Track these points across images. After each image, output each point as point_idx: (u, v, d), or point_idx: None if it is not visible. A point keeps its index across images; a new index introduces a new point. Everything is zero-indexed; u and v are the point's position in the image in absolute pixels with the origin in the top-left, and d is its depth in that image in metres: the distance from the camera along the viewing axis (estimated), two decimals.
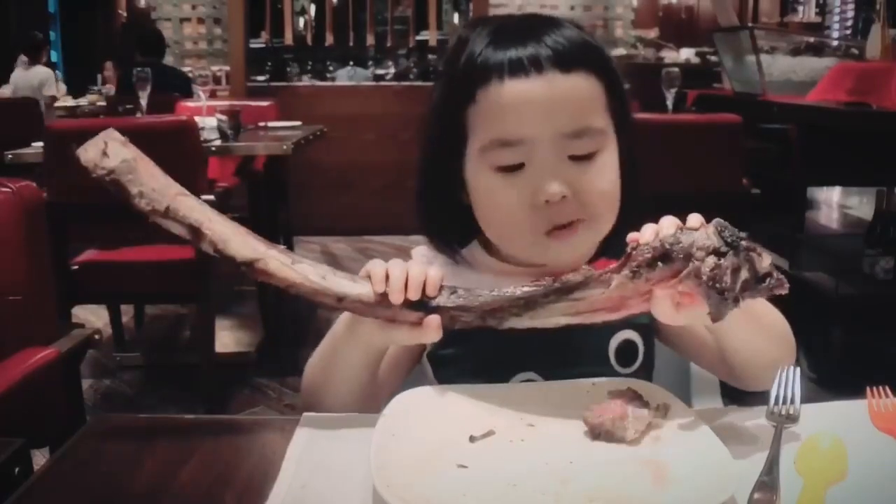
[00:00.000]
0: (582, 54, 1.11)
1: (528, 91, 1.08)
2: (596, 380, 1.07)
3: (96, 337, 1.86)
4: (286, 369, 3.81)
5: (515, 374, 1.16)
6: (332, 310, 1.02)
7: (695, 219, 0.95)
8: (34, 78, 7.62)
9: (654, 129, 3.45)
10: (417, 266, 1.01)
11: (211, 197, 3.33)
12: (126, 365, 4.13)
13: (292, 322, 4.42)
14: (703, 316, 0.92)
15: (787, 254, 3.73)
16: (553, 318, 0.98)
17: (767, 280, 0.90)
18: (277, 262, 0.98)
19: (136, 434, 1.08)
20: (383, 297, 0.99)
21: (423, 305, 0.99)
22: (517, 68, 1.09)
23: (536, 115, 1.08)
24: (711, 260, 0.89)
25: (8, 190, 1.75)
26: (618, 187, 1.13)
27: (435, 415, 1.00)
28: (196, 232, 0.98)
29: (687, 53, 8.68)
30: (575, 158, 1.09)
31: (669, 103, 4.37)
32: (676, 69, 4.54)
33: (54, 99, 7.80)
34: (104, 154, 0.97)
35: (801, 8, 11.41)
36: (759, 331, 1.08)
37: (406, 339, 1.03)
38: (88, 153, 0.98)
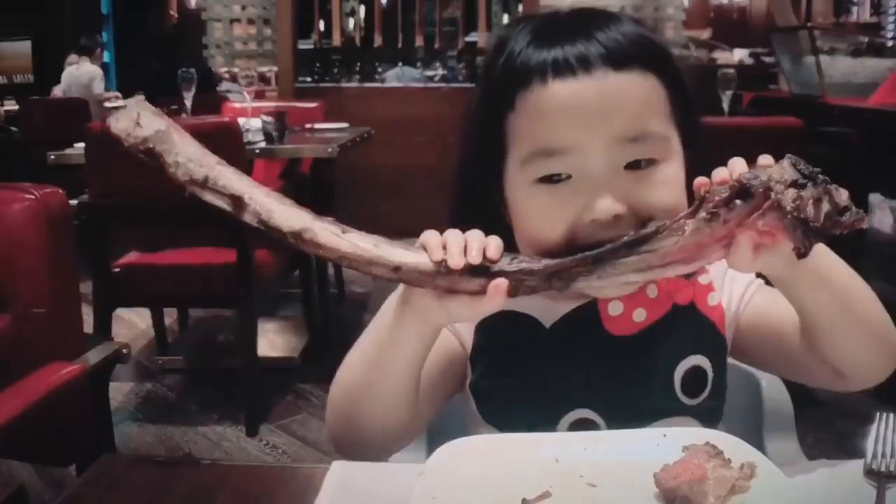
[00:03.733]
0: (639, 50, 0.98)
1: (575, 93, 0.95)
2: (668, 430, 0.94)
3: (125, 351, 1.79)
4: (331, 375, 3.69)
5: (569, 410, 1.05)
6: (388, 281, 0.92)
7: (765, 158, 0.85)
8: (84, 76, 7.64)
9: (710, 133, 3.33)
10: (476, 232, 0.90)
11: None
12: (168, 368, 4.10)
13: (338, 326, 4.36)
14: (784, 257, 0.84)
15: (847, 262, 3.61)
16: (623, 276, 0.88)
17: (847, 214, 0.83)
18: (327, 231, 0.90)
19: (146, 479, 0.98)
20: (442, 264, 0.89)
21: (484, 271, 0.89)
22: (562, 68, 0.96)
23: (586, 120, 0.95)
24: (792, 192, 0.82)
25: (31, 197, 1.70)
26: (684, 205, 0.96)
27: (481, 473, 0.89)
28: (238, 202, 0.89)
29: (740, 54, 8.54)
30: (632, 168, 0.96)
31: (725, 105, 4.25)
32: (732, 70, 4.42)
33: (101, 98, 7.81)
34: (137, 124, 0.91)
35: (855, 8, 11.19)
36: (849, 306, 0.95)
37: (467, 311, 0.90)
38: (120, 122, 0.92)
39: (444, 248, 0.88)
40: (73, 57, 7.95)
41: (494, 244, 0.88)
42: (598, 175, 0.95)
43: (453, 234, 0.89)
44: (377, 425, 1.01)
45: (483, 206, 1.07)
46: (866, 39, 4.51)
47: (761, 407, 1.26)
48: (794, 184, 0.82)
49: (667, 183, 0.97)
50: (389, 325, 0.97)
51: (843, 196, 0.83)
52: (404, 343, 0.96)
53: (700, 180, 0.85)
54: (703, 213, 0.84)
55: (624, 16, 1.03)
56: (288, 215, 0.90)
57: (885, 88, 3.77)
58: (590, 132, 0.95)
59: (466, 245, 0.88)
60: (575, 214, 0.96)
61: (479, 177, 1.06)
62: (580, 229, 0.96)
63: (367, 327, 1.02)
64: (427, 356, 0.99)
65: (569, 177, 0.97)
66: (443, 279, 0.90)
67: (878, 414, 0.92)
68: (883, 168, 3.58)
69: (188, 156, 0.90)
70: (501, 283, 0.87)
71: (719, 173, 0.85)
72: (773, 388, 1.25)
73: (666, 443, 0.91)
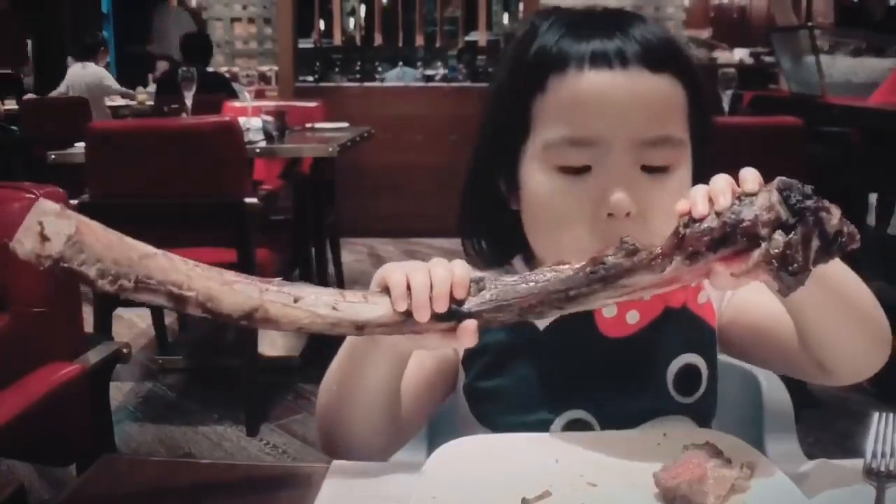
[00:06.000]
0: (671, 54, 1.00)
1: (609, 85, 0.96)
2: (668, 430, 0.95)
3: (125, 351, 1.78)
4: None
5: (563, 411, 1.04)
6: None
7: (751, 178, 0.81)
8: (90, 76, 7.61)
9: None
10: (440, 267, 0.87)
11: (255, 200, 3.28)
12: (168, 368, 4.09)
13: None
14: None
15: (847, 261, 3.60)
16: (597, 302, 0.86)
17: (838, 239, 0.79)
18: (278, 305, 0.85)
19: (146, 479, 0.97)
20: (407, 315, 0.86)
21: (453, 314, 0.86)
22: (600, 59, 0.97)
23: (615, 113, 0.96)
24: (780, 238, 0.78)
25: (31, 196, 1.69)
26: None
27: (481, 472, 0.88)
28: (177, 297, 0.83)
29: (740, 54, 8.55)
30: (648, 170, 0.97)
31: (725, 105, 4.25)
32: (733, 70, 4.44)
33: (120, 96, 7.76)
34: (43, 238, 0.80)
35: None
36: (843, 305, 0.94)
37: (439, 346, 0.90)
38: (26, 245, 0.80)
39: (409, 288, 0.86)
40: (74, 64, 7.90)
41: (460, 282, 0.86)
42: (617, 170, 0.96)
43: (417, 276, 0.86)
44: (358, 436, 1.02)
45: (494, 195, 1.07)
46: (868, 39, 4.50)
47: (761, 407, 1.25)
48: (781, 225, 0.78)
49: (677, 191, 0.96)
50: (362, 347, 0.97)
51: (834, 220, 0.79)
52: (376, 364, 0.97)
53: (681, 206, 0.81)
54: (683, 256, 0.81)
55: (658, 23, 1.05)
56: (232, 298, 0.84)
57: (885, 88, 3.77)
58: (617, 126, 0.96)
59: (432, 286, 0.86)
60: (590, 205, 0.97)
61: (496, 158, 1.06)
62: (598, 224, 0.97)
63: (344, 342, 1.02)
64: (402, 373, 1.00)
65: (588, 169, 0.98)
66: (410, 326, 0.87)
67: (877, 414, 0.90)
68: (883, 167, 3.58)
69: (110, 259, 0.82)
70: (470, 326, 0.86)
71: (699, 199, 0.81)
72: (772, 388, 1.25)
73: (666, 443, 0.91)
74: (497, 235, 1.11)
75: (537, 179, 1.01)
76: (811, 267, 0.79)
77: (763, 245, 0.78)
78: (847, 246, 0.80)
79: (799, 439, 1.25)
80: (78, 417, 1.77)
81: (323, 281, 4.53)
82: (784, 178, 0.80)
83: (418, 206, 6.70)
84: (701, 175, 0.99)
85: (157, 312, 4.24)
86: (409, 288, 0.86)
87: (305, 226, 4.30)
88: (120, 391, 3.73)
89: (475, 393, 1.09)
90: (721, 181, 0.82)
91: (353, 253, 6.19)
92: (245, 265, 3.26)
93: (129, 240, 0.84)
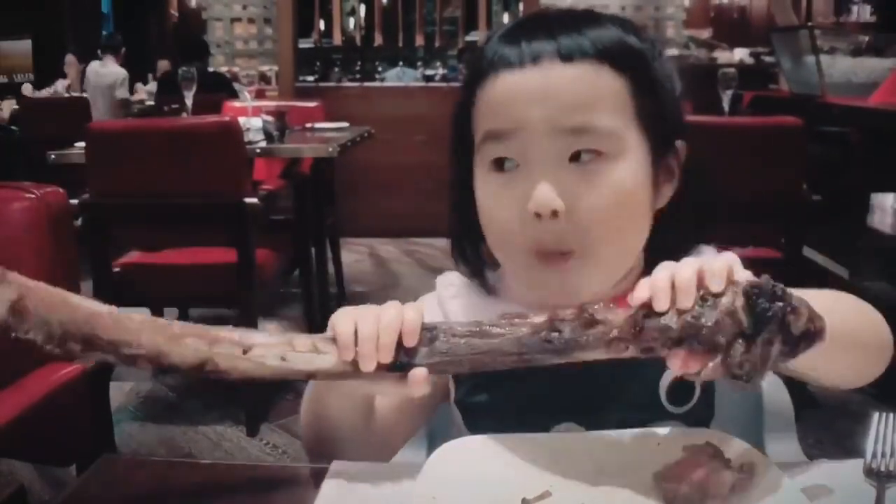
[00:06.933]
0: (597, 46, 0.97)
1: (519, 81, 0.97)
2: (666, 431, 0.94)
3: None
4: None
5: (555, 424, 1.03)
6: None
7: (717, 275, 0.79)
8: (109, 77, 7.56)
9: (710, 133, 3.33)
10: (389, 316, 0.86)
11: (255, 200, 3.28)
12: None
13: None
14: None
15: (847, 263, 3.60)
16: (547, 363, 0.86)
17: (804, 339, 0.78)
18: (226, 356, 0.84)
19: (145, 479, 0.97)
20: (354, 365, 0.86)
21: (402, 364, 0.86)
22: (512, 61, 0.98)
23: (527, 102, 0.96)
24: (739, 348, 0.77)
25: (32, 196, 1.69)
26: (626, 210, 0.97)
27: (481, 472, 0.88)
28: (126, 357, 0.83)
29: (741, 53, 8.55)
30: (577, 162, 0.96)
31: (726, 105, 4.25)
32: (733, 69, 4.43)
33: (125, 102, 7.71)
34: None
35: (855, 8, 11.19)
36: (840, 352, 0.90)
37: (394, 393, 0.91)
38: None
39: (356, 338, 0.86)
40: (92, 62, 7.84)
41: (411, 330, 0.86)
42: (541, 162, 0.96)
43: (364, 325, 0.86)
44: (338, 452, 1.01)
45: (466, 210, 1.07)
46: (866, 39, 4.49)
47: (762, 408, 1.25)
48: (743, 334, 0.77)
49: (613, 184, 0.96)
50: (324, 384, 0.97)
51: (801, 321, 0.78)
52: (339, 398, 0.99)
53: (638, 293, 0.80)
54: (639, 347, 0.81)
55: (611, 18, 1.03)
56: (180, 351, 0.84)
57: (886, 88, 3.76)
58: (531, 116, 0.96)
59: (379, 336, 0.86)
60: (519, 203, 0.96)
61: (459, 177, 1.08)
62: (527, 226, 0.96)
63: None
64: (370, 402, 1.02)
65: (517, 165, 0.98)
66: (357, 375, 0.87)
67: (877, 414, 0.90)
68: (883, 168, 3.57)
69: (56, 321, 0.81)
70: (419, 375, 0.86)
71: (660, 289, 0.79)
72: (773, 389, 1.24)
73: (666, 443, 0.91)
74: (477, 245, 1.11)
75: (480, 184, 1.02)
76: (767, 371, 0.78)
77: (720, 356, 0.77)
78: (815, 342, 0.79)
79: (798, 440, 1.25)
80: (78, 417, 1.76)
81: (322, 282, 4.53)
82: (756, 281, 0.79)
83: (418, 206, 6.69)
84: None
85: (157, 313, 4.22)
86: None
87: (305, 226, 4.30)
88: (120, 391, 3.73)
89: (466, 407, 1.09)
90: (686, 274, 0.80)
91: (353, 253, 6.19)
92: (245, 265, 3.26)
93: (74, 299, 0.83)
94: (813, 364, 0.88)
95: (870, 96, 3.80)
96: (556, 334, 0.83)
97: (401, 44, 9.91)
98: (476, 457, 0.91)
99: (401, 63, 9.55)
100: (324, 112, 5.20)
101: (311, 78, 8.58)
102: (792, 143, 3.33)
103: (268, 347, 0.86)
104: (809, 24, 6.51)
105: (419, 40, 9.72)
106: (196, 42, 6.87)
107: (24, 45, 10.86)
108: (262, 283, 3.50)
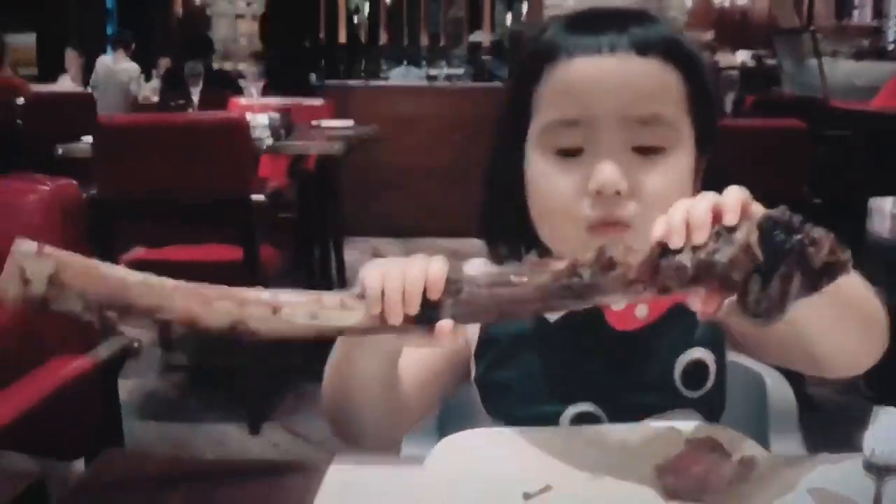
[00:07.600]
0: (664, 43, 1.03)
1: (596, 68, 1.00)
2: (670, 423, 0.96)
3: (135, 345, 1.79)
4: None
5: (571, 404, 1.06)
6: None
7: (732, 207, 0.77)
8: (123, 73, 7.53)
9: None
10: (415, 268, 0.87)
11: (262, 197, 3.30)
12: (172, 366, 4.10)
13: None
14: None
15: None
16: (567, 308, 0.89)
17: (827, 271, 0.75)
18: (258, 317, 0.86)
19: (149, 474, 0.97)
20: (382, 319, 0.87)
21: (425, 317, 0.87)
22: (589, 46, 1.01)
23: (602, 92, 0.99)
24: (756, 284, 0.75)
25: (45, 188, 1.70)
26: (687, 196, 0.95)
27: (483, 466, 0.90)
28: (161, 321, 0.86)
29: (743, 56, 8.54)
30: (640, 152, 0.99)
31: (728, 108, 4.27)
32: (736, 72, 4.45)
33: (135, 98, 7.67)
34: (25, 281, 0.82)
35: (856, 12, 11.21)
36: (844, 314, 0.92)
37: (422, 345, 0.91)
38: (9, 291, 0.82)
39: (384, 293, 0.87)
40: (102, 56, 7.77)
41: (435, 282, 0.86)
42: (607, 148, 0.99)
43: (391, 278, 0.87)
44: (357, 421, 1.04)
45: (508, 189, 1.09)
46: (868, 42, 4.51)
47: (766, 405, 1.27)
48: (759, 269, 0.74)
49: (671, 172, 1.00)
50: (350, 342, 0.98)
51: (823, 252, 0.74)
52: (366, 358, 0.99)
53: (657, 232, 0.79)
54: (655, 287, 0.79)
55: (656, 16, 1.08)
56: (212, 314, 0.86)
57: (888, 91, 3.78)
58: (605, 105, 0.99)
59: (405, 290, 0.86)
60: (581, 181, 0.99)
61: (506, 153, 1.09)
62: (583, 199, 0.99)
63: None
64: (395, 362, 1.02)
65: (581, 151, 1.00)
66: (386, 329, 0.88)
67: (876, 408, 0.91)
68: (885, 171, 3.59)
69: (92, 291, 0.83)
70: (445, 327, 0.87)
71: (675, 227, 0.78)
72: (776, 386, 1.26)
73: (667, 436, 0.92)
74: (512, 231, 1.13)
75: (535, 165, 1.04)
76: (787, 308, 0.76)
77: (735, 294, 0.76)
78: (838, 275, 0.76)
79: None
80: (87, 411, 1.77)
81: (325, 279, 4.54)
82: (770, 212, 0.77)
83: (422, 205, 6.70)
84: (708, 166, 1.05)
85: None
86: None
87: (310, 224, 4.30)
88: (124, 388, 3.69)
89: (486, 385, 1.11)
90: (701, 209, 0.79)
91: (356, 252, 6.18)
92: (251, 262, 3.27)
93: (106, 268, 0.85)
94: (823, 313, 0.88)
95: (872, 99, 3.82)
96: (576, 279, 0.83)
97: (405, 43, 9.92)
98: (478, 450, 0.93)
99: (405, 62, 9.55)
100: (330, 110, 5.19)
101: (315, 76, 8.58)
102: (795, 146, 3.35)
103: (297, 306, 0.86)
104: (811, 27, 6.53)
105: (423, 39, 9.73)
106: (201, 39, 6.87)
107: (29, 40, 10.86)
108: (265, 281, 3.51)
